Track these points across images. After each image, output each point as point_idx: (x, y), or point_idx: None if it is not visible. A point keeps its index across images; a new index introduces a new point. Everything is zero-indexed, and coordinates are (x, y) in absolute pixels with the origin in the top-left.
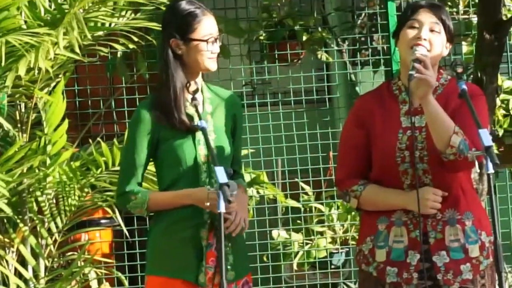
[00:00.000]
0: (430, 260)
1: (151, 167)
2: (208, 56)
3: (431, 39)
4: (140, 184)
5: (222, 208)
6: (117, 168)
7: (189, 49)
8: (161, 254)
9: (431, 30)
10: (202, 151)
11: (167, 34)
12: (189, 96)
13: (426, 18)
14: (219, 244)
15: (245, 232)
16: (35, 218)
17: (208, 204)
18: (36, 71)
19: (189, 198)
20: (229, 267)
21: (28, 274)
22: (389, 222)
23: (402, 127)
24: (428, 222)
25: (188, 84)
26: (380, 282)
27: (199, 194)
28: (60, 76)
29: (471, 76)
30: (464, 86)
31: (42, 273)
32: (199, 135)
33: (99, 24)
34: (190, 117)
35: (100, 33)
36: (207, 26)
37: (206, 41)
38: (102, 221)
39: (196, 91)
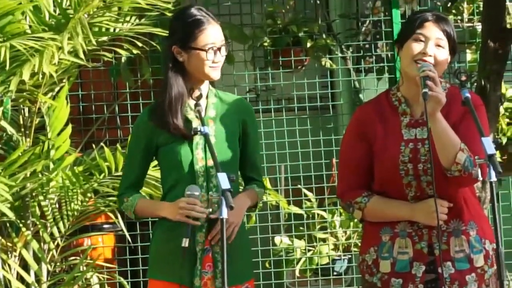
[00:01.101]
0: (436, 272)
1: (155, 173)
2: (209, 65)
3: (436, 54)
4: (137, 188)
5: (225, 214)
6: (120, 173)
7: (190, 56)
8: (161, 258)
9: (437, 45)
10: (199, 155)
11: (170, 40)
12: (192, 102)
13: (432, 32)
14: (221, 250)
15: (248, 238)
16: (37, 223)
17: (178, 217)
18: (40, 76)
19: (161, 211)
20: (218, 274)
21: (30, 278)
22: (393, 233)
23: (404, 140)
24: (433, 233)
25: (191, 90)
26: None
27: (169, 209)
28: (64, 81)
29: (475, 84)
30: (468, 94)
31: (44, 278)
32: (197, 139)
33: (103, 29)
34: (189, 122)
35: (105, 38)
36: (209, 35)
37: (206, 50)
38: (105, 226)
39: (199, 97)
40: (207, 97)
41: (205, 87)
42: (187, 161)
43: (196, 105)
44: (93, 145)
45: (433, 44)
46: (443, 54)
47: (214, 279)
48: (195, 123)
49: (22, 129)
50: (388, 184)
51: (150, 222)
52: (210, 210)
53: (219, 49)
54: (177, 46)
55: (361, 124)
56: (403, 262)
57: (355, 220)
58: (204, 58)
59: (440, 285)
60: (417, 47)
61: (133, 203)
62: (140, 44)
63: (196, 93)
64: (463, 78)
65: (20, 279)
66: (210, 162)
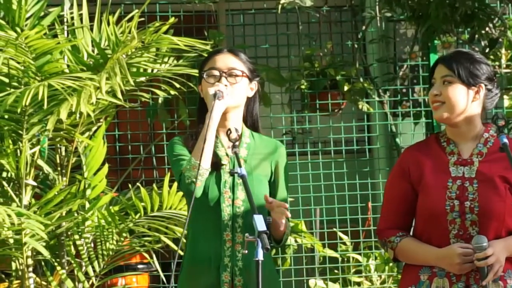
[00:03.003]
0: None
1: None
2: (210, 92)
3: (443, 91)
4: None
5: (260, 256)
6: (156, 213)
7: (202, 89)
8: None
9: (444, 82)
10: (227, 194)
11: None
12: (225, 139)
13: (439, 73)
14: None
15: (279, 281)
16: (72, 262)
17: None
18: (78, 115)
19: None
20: None
21: None
22: (432, 272)
23: (452, 176)
24: (471, 275)
25: (229, 131)
26: None
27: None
28: (101, 120)
29: None
30: (506, 140)
31: None
32: (225, 177)
33: (141, 70)
34: (217, 157)
35: (142, 78)
36: (212, 62)
37: (204, 73)
38: (139, 266)
39: (236, 140)
40: (240, 135)
41: (238, 125)
42: (213, 199)
43: (233, 146)
44: (129, 185)
45: (440, 83)
46: (451, 89)
47: None
48: (224, 160)
49: (59, 168)
50: (432, 220)
51: None
52: (246, 252)
53: (223, 74)
54: (199, 84)
55: (405, 164)
56: None
57: (390, 264)
58: (205, 83)
59: None
60: (431, 91)
61: (189, 158)
62: (177, 85)
63: (233, 134)
64: (501, 123)
65: None
66: (237, 202)
